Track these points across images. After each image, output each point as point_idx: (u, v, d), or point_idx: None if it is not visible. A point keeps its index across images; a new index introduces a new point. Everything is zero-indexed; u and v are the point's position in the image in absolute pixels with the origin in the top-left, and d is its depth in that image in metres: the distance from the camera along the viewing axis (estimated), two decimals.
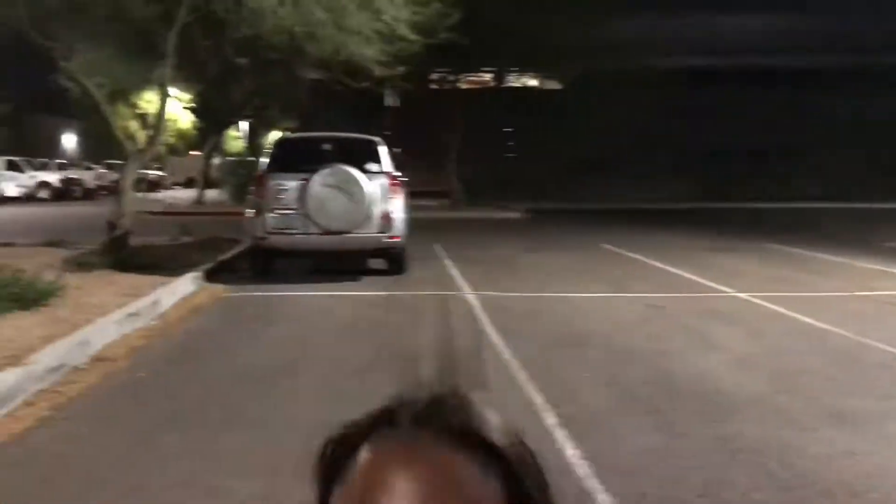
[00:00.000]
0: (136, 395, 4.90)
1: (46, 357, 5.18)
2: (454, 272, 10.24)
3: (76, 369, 5.36)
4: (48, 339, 5.65)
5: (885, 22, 34.90)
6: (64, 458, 3.82)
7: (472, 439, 0.64)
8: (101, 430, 4.24)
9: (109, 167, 42.17)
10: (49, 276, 7.52)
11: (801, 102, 35.66)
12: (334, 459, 0.67)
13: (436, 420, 0.64)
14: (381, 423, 0.66)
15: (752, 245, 14.52)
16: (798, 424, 4.39)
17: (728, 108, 35.35)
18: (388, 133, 29.23)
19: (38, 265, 8.63)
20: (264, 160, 10.79)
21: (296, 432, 4.20)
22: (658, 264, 11.48)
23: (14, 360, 5.06)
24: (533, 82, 32.95)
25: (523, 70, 31.39)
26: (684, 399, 4.83)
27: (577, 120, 29.61)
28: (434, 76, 27.61)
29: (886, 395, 5.01)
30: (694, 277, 10.16)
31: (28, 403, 4.61)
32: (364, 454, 0.64)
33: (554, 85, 33.24)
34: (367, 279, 9.89)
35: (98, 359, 5.68)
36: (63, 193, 32.85)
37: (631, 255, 12.68)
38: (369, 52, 10.13)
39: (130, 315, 6.85)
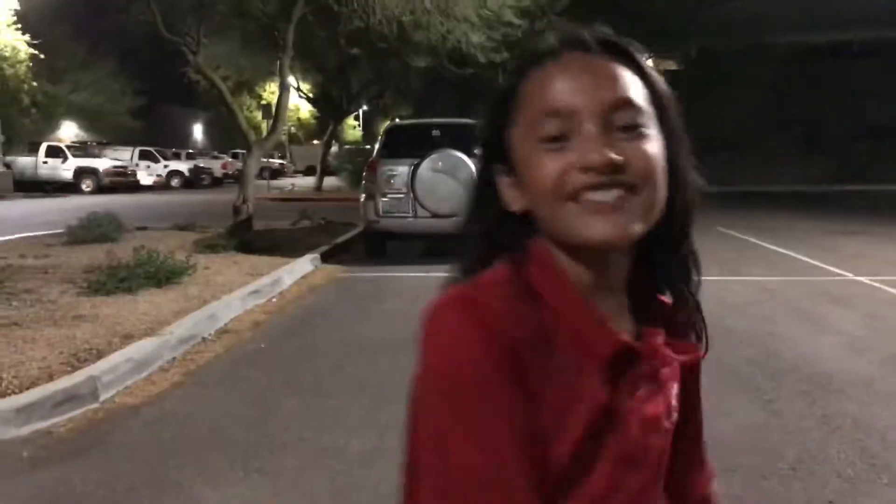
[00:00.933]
0: (258, 364, 5.29)
1: (179, 329, 5.67)
2: None
3: (205, 340, 5.84)
4: (180, 313, 6.17)
5: None
6: (194, 418, 4.21)
7: (621, 50, 0.81)
8: (227, 394, 4.63)
9: (234, 156, 44.28)
10: (180, 257, 8.12)
11: None
12: (498, 106, 0.82)
13: (583, 40, 0.80)
14: (528, 61, 0.81)
15: (878, 228, 13.83)
16: None
17: (865, 85, 33.30)
18: None
19: (170, 247, 9.32)
20: (376, 147, 11.18)
21: (400, 397, 4.46)
22: (777, 248, 11.15)
23: (150, 330, 5.58)
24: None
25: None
26: (787, 378, 4.78)
27: (698, 100, 28.79)
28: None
29: None
30: (811, 260, 9.83)
31: (163, 369, 5.08)
32: (528, 81, 0.79)
33: (672, 65, 32.45)
34: None
35: (224, 331, 6.16)
36: (192, 182, 34.75)
37: (749, 238, 12.36)
38: (475, 39, 10.31)
39: (253, 292, 7.34)
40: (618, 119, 0.75)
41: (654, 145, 0.76)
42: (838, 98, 33.17)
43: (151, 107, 45.10)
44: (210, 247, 10.02)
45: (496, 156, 0.82)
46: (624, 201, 0.74)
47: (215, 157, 42.41)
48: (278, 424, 4.08)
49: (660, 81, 0.82)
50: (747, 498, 3.14)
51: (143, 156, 34.48)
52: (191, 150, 43.25)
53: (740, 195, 21.96)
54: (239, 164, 41.18)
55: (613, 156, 0.72)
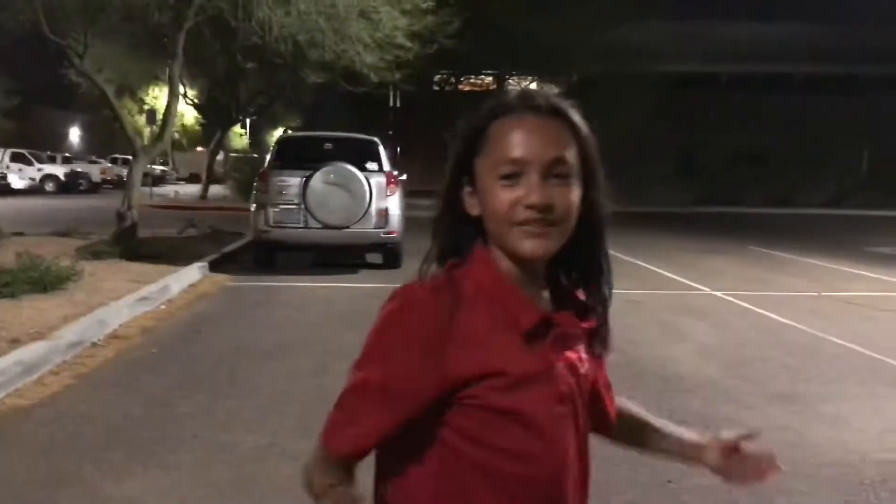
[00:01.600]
0: (150, 367, 5.41)
1: (68, 333, 5.71)
2: None
3: (94, 345, 5.89)
4: (67, 319, 6.18)
5: (886, 30, 35.25)
6: (89, 417, 4.33)
7: (563, 117, 1.11)
8: (120, 395, 4.75)
9: (114, 161, 42.73)
10: (64, 263, 8.02)
11: (806, 108, 36.01)
12: (469, 139, 1.12)
13: (536, 104, 1.10)
14: (498, 111, 1.12)
15: (736, 247, 15.07)
16: (743, 403, 4.91)
17: (732, 114, 35.74)
18: (391, 132, 29.79)
19: (53, 253, 9.13)
20: (268, 157, 11.31)
21: (292, 400, 4.75)
22: (644, 264, 12.01)
23: (38, 335, 5.59)
24: (533, 86, 33.45)
25: (524, 74, 31.86)
26: (644, 380, 5.34)
27: None
28: (436, 78, 28.11)
29: (831, 381, 5.52)
30: (675, 276, 10.68)
31: (53, 373, 5.13)
32: (495, 127, 1.10)
33: (553, 89, 33.80)
34: (364, 272, 10.41)
35: (114, 336, 6.21)
36: (69, 186, 33.29)
37: (619, 255, 13.15)
38: (368, 59, 10.68)
39: (141, 299, 7.38)
40: (554, 170, 1.08)
41: (574, 192, 1.10)
42: (709, 126, 35.48)
43: (25, 107, 42.90)
44: (94, 253, 9.88)
45: (464, 171, 1.14)
46: (548, 233, 1.08)
47: (93, 162, 40.72)
48: (174, 424, 4.26)
49: (588, 138, 1.13)
50: (598, 479, 3.58)
51: (15, 158, 32.80)
52: (67, 154, 41.38)
53: (615, 215, 23.10)
54: (118, 170, 39.88)
55: (545, 200, 1.06)
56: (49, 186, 32.81)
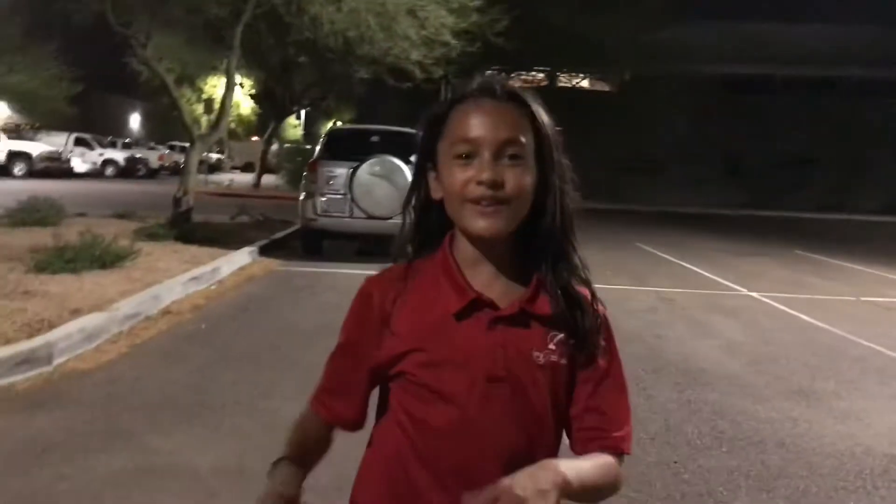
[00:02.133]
0: (199, 341, 5.80)
1: (125, 306, 6.12)
2: None
3: (149, 318, 6.31)
4: (125, 294, 6.60)
5: None
6: (141, 381, 4.71)
7: (519, 99, 1.18)
8: (170, 364, 5.13)
9: (171, 148, 43.85)
10: (123, 243, 8.49)
11: (858, 113, 35.30)
12: (431, 126, 1.22)
13: (492, 89, 1.18)
14: (458, 98, 1.20)
15: (780, 251, 15.00)
16: (758, 396, 5.08)
17: (784, 117, 35.21)
18: None
19: (112, 233, 9.63)
20: (317, 148, 11.69)
21: None
22: (684, 263, 12.10)
23: (98, 307, 6.01)
24: (584, 84, 33.43)
25: (575, 72, 31.83)
26: (666, 372, 5.54)
27: (628, 122, 29.94)
28: (488, 73, 28.28)
29: (849, 381, 5.64)
30: (713, 276, 10.77)
31: (111, 342, 5.54)
32: (454, 111, 1.18)
33: (605, 87, 33.70)
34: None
35: (167, 311, 6.63)
36: (128, 171, 34.33)
37: (662, 254, 13.29)
38: (414, 56, 10.99)
39: (193, 279, 7.80)
40: (507, 150, 1.13)
41: (527, 174, 1.14)
42: (760, 128, 35.00)
43: (88, 94, 44.25)
44: (151, 235, 10.38)
45: (428, 157, 1.23)
46: (499, 211, 1.13)
47: (152, 149, 41.86)
48: (218, 391, 4.62)
49: (544, 123, 1.18)
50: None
51: (78, 142, 33.96)
52: (127, 140, 42.60)
53: (662, 215, 23.13)
54: (175, 157, 40.93)
55: (494, 177, 1.12)
56: (109, 171, 33.88)
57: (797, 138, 35.87)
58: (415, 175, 1.26)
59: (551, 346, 1.18)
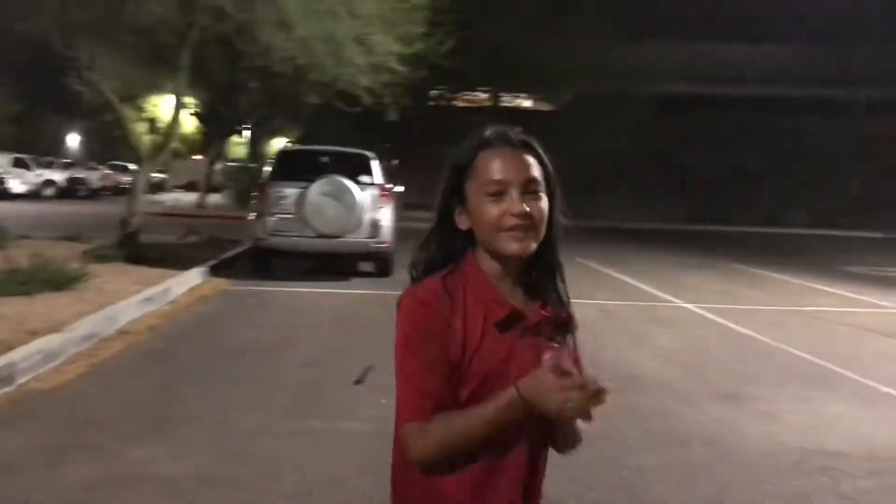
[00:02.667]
0: (157, 359, 5.97)
1: (82, 327, 6.25)
2: None
3: (105, 339, 6.43)
4: (80, 315, 6.70)
5: (875, 53, 36.00)
6: (103, 399, 4.88)
7: (529, 148, 1.45)
8: (130, 382, 5.30)
9: (113, 168, 43.20)
10: (74, 265, 8.56)
11: (795, 130, 36.72)
12: (457, 171, 1.45)
13: (510, 139, 1.44)
14: (481, 145, 1.45)
15: (717, 264, 15.67)
16: (689, 400, 5.48)
17: (725, 135, 36.42)
18: (388, 146, 30.38)
19: (61, 256, 9.65)
20: (267, 168, 11.88)
21: (285, 387, 5.31)
22: (623, 277, 12.60)
23: (54, 328, 6.12)
24: (527, 103, 34.14)
25: (517, 91, 32.52)
26: (606, 379, 5.89)
27: (571, 141, 30.58)
28: (433, 93, 28.78)
29: (775, 385, 6.09)
30: (652, 289, 11.26)
31: (70, 362, 5.67)
32: (481, 156, 1.43)
33: (548, 106, 34.47)
34: (356, 279, 10.97)
35: (122, 332, 6.76)
36: (68, 192, 33.70)
37: (602, 268, 13.76)
38: (363, 82, 11.34)
39: (146, 299, 7.92)
40: (528, 187, 1.40)
41: (544, 203, 1.42)
42: (703, 145, 36.19)
43: (25, 113, 43.38)
44: (99, 257, 10.39)
45: (455, 194, 1.46)
46: (529, 235, 1.39)
47: (92, 169, 41.19)
48: (180, 405, 4.81)
49: (548, 164, 1.46)
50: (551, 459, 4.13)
51: (16, 163, 33.25)
52: (67, 160, 41.82)
53: (606, 230, 23.73)
54: (117, 177, 40.37)
55: (526, 209, 1.38)
56: (48, 192, 33.19)
57: (737, 155, 37.15)
58: (442, 210, 1.49)
59: (556, 343, 1.46)
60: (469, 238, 1.46)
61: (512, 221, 1.38)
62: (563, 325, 1.49)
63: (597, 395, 1.29)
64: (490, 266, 1.44)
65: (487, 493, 1.42)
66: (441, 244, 1.49)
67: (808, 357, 7.12)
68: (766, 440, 4.68)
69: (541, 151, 1.47)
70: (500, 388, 1.35)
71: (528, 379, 1.30)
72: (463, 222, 1.46)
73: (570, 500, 3.57)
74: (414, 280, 1.49)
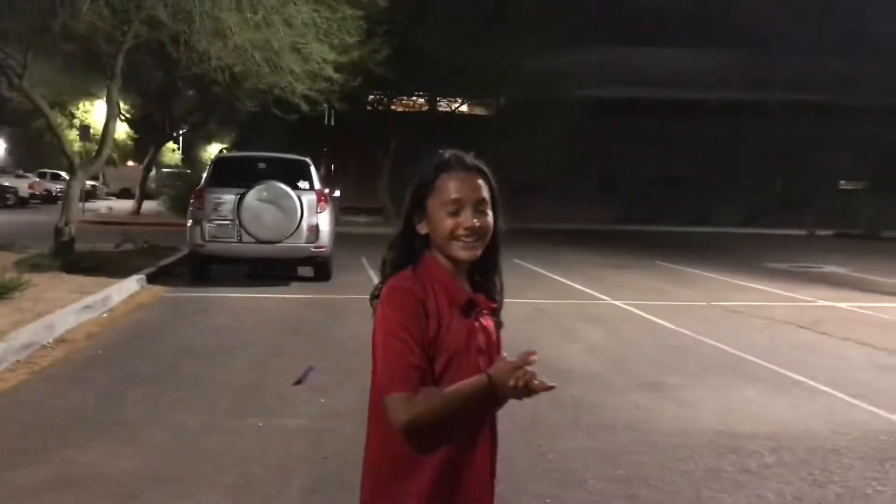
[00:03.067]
0: (98, 365, 6.05)
1: (20, 335, 6.29)
2: (377, 280, 11.54)
3: (44, 347, 6.48)
4: (17, 324, 6.74)
5: (797, 58, 37.50)
6: (47, 405, 4.97)
7: (481, 171, 1.75)
8: (73, 388, 5.39)
9: (42, 176, 42.11)
10: (8, 275, 8.51)
11: (720, 133, 38.00)
12: (421, 188, 1.74)
13: (465, 164, 1.74)
14: (441, 168, 1.73)
15: (645, 263, 16.24)
16: (613, 389, 5.84)
17: (653, 137, 37.46)
18: (326, 150, 30.46)
19: None
20: (204, 175, 11.91)
21: (229, 389, 5.48)
22: (556, 276, 13.02)
23: None
24: (463, 108, 34.53)
25: (453, 97, 32.88)
26: (535, 372, 6.20)
27: (507, 145, 31.03)
28: (370, 98, 28.92)
29: (694, 374, 6.50)
30: (582, 288, 11.69)
31: (9, 370, 5.73)
32: (442, 178, 1.72)
33: (482, 111, 34.95)
34: (295, 284, 11.11)
35: (61, 340, 6.81)
36: None
37: (535, 268, 14.17)
38: (299, 89, 11.52)
39: (84, 307, 7.95)
40: (478, 206, 1.71)
41: (490, 218, 1.74)
42: (629, 148, 37.19)
43: None
44: (34, 266, 10.31)
45: (418, 206, 1.75)
46: (477, 244, 1.72)
47: (20, 177, 40.04)
48: (124, 408, 4.94)
49: (494, 185, 1.77)
50: None
51: None
52: None
53: (540, 232, 24.25)
54: (47, 185, 39.36)
55: (476, 223, 1.70)
56: None
57: (666, 157, 38.30)
58: (406, 218, 1.80)
59: (491, 325, 1.82)
60: (425, 241, 1.77)
61: (463, 233, 1.71)
62: (497, 312, 1.84)
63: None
64: (445, 263, 1.75)
65: (466, 457, 1.75)
66: (405, 246, 1.78)
67: (726, 348, 7.58)
68: (682, 424, 5.05)
69: (489, 175, 1.79)
70: (465, 362, 1.69)
71: (496, 367, 1.64)
72: (422, 228, 1.76)
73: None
74: (385, 276, 1.79)
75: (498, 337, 1.85)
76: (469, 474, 1.76)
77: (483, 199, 1.74)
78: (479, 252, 1.75)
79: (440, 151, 1.80)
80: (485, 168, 1.78)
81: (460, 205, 1.71)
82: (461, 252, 1.73)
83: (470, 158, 1.78)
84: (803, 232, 30.48)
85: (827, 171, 37.13)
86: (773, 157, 38.59)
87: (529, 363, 1.63)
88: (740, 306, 10.47)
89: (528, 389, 1.63)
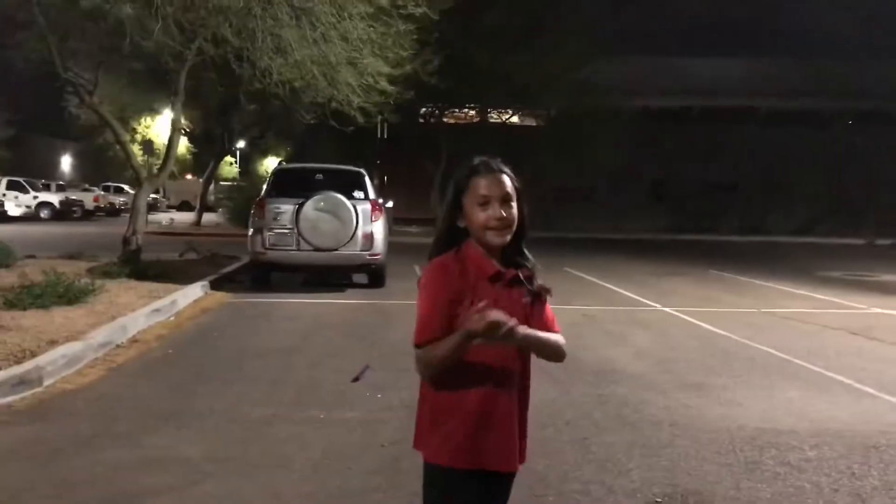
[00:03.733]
0: (169, 363, 6.46)
1: (98, 336, 6.74)
2: None
3: (119, 346, 6.92)
4: (94, 325, 7.20)
5: (847, 66, 36.88)
6: (125, 397, 5.37)
7: (505, 172, 2.12)
8: (146, 382, 5.79)
9: (106, 189, 43.70)
10: (84, 281, 9.04)
11: (772, 141, 37.53)
12: (457, 189, 2.14)
13: (492, 167, 2.12)
14: (472, 172, 2.13)
15: (697, 271, 16.25)
16: (658, 389, 6.00)
17: (704, 146, 37.20)
18: (379, 162, 30.98)
19: (68, 273, 10.14)
20: (264, 186, 12.40)
21: (289, 385, 5.81)
22: (607, 284, 13.15)
23: (72, 337, 6.61)
24: (514, 119, 34.78)
25: (503, 108, 33.16)
26: (582, 373, 6.41)
27: (558, 154, 31.26)
28: (422, 111, 29.40)
29: (738, 376, 6.61)
30: (632, 295, 11.81)
31: (90, 366, 6.16)
32: (474, 179, 2.11)
33: (533, 122, 35.14)
34: (350, 290, 11.49)
35: (134, 340, 7.25)
36: (63, 213, 34.13)
37: (587, 276, 14.32)
38: (355, 102, 11.96)
39: (154, 311, 8.41)
40: (504, 200, 2.06)
41: (515, 210, 2.08)
42: (681, 157, 36.95)
43: (19, 137, 43.88)
44: (105, 273, 10.88)
45: (456, 203, 2.11)
46: (505, 232, 2.07)
47: (86, 190, 41.66)
48: (194, 401, 5.30)
49: (517, 183, 2.11)
50: (531, 438, 4.64)
51: (11, 186, 33.72)
52: (61, 182, 42.28)
53: (591, 241, 24.38)
54: (111, 198, 40.82)
55: (503, 214, 2.05)
56: (44, 213, 33.67)
57: (717, 166, 37.98)
58: (448, 213, 2.15)
59: (526, 297, 2.14)
60: (465, 233, 2.11)
61: (494, 223, 2.06)
62: (530, 279, 2.14)
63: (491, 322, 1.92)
64: (479, 248, 2.10)
65: (491, 408, 2.09)
66: (448, 237, 2.14)
67: (773, 352, 7.66)
68: (725, 421, 5.20)
69: (512, 175, 2.13)
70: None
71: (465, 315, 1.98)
72: (461, 222, 2.12)
73: (539, 468, 4.08)
74: (431, 258, 2.15)
75: (534, 306, 2.15)
76: (497, 419, 2.11)
77: (508, 194, 2.08)
78: (507, 238, 2.09)
79: (472, 158, 2.16)
80: (507, 170, 2.12)
81: (489, 200, 2.06)
82: (493, 238, 2.07)
83: (496, 163, 2.13)
84: (861, 241, 29.90)
85: (887, 180, 36.35)
86: (828, 165, 37.94)
87: (480, 309, 1.91)
88: (791, 313, 10.47)
89: (490, 326, 1.89)
